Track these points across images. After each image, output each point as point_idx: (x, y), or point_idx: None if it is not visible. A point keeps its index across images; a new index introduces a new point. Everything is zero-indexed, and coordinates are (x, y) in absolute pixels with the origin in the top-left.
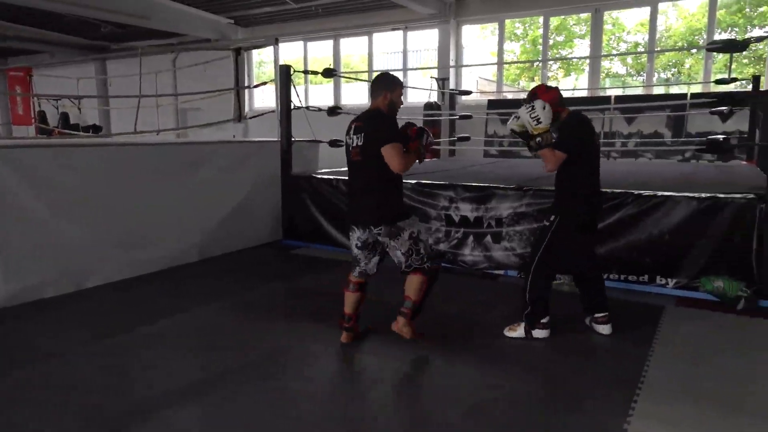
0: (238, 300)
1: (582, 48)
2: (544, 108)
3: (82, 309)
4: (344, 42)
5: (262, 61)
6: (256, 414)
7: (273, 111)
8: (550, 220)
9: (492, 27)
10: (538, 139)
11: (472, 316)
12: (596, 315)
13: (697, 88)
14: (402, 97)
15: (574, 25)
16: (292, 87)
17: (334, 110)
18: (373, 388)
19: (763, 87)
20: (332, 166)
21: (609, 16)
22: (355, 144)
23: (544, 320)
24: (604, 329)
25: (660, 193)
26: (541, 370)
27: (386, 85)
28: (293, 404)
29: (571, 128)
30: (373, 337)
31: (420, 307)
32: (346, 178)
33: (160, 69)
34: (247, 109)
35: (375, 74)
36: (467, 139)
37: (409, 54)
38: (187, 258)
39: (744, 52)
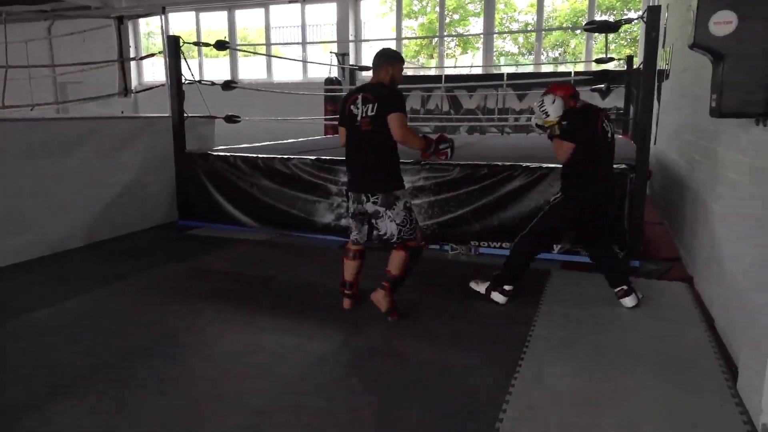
0: (130, 283)
1: (477, 26)
2: (553, 102)
3: None
4: (240, 14)
5: (151, 32)
6: (151, 398)
7: (163, 85)
8: (555, 196)
9: (390, 3)
10: (548, 130)
11: (375, 289)
12: (616, 289)
13: (581, 67)
14: (402, 73)
15: (469, 3)
16: (182, 60)
17: (228, 85)
18: (275, 364)
19: (636, 66)
20: (229, 143)
21: None
22: (365, 114)
23: (507, 287)
24: (626, 302)
25: (545, 165)
26: (437, 336)
27: (388, 60)
28: (192, 386)
29: (573, 119)
30: (278, 315)
31: (401, 282)
32: (243, 154)
33: (31, 37)
34: (136, 83)
35: (273, 48)
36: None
37: (308, 28)
38: (72, 243)
39: (621, 34)
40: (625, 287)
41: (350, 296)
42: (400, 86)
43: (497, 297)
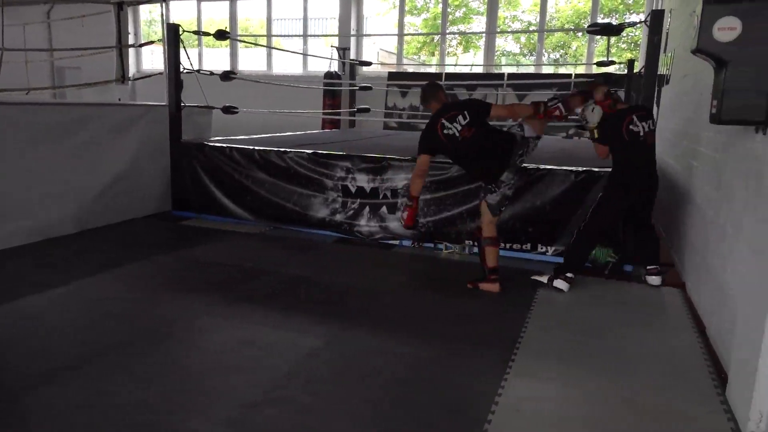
0: (121, 272)
1: (480, 25)
2: (592, 110)
3: None
4: (242, 5)
5: (153, 20)
6: (141, 388)
7: (161, 73)
8: (600, 193)
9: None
10: (587, 134)
11: (366, 286)
12: (648, 267)
13: (581, 69)
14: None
15: (472, 1)
16: (182, 48)
17: (227, 75)
18: (264, 358)
19: (636, 70)
20: (226, 134)
21: None
22: (464, 126)
23: (569, 275)
24: (654, 280)
25: (542, 167)
26: (427, 335)
27: (438, 87)
28: (180, 378)
29: (602, 125)
30: (269, 309)
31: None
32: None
33: (29, 20)
34: (134, 70)
35: (273, 40)
36: (367, 110)
37: (310, 21)
38: (62, 230)
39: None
40: (658, 266)
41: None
42: (396, 82)
43: (560, 284)
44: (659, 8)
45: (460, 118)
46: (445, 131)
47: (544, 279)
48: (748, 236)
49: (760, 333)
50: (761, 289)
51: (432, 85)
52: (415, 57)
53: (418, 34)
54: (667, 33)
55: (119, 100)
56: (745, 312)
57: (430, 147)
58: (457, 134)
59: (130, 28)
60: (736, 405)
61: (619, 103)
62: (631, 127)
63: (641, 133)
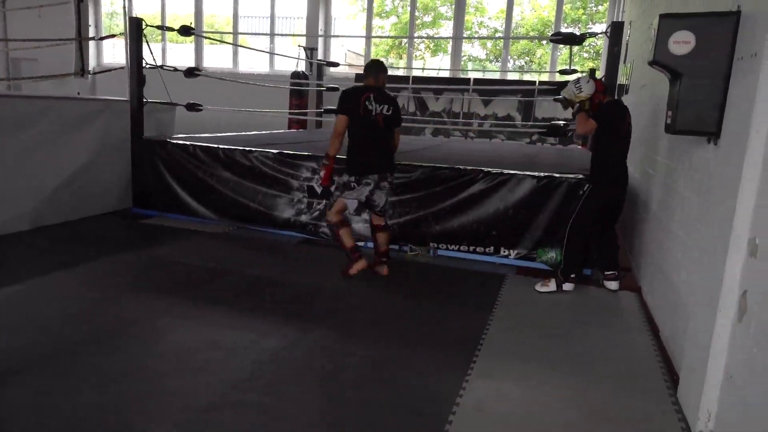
0: (77, 271)
1: (448, 30)
2: (588, 82)
3: None
4: (208, 1)
5: (114, 12)
6: (97, 390)
7: (122, 68)
8: (584, 189)
9: (362, 2)
10: (577, 104)
11: (331, 287)
12: (606, 272)
13: (545, 77)
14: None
15: (441, 6)
16: (145, 43)
17: (192, 72)
18: (226, 360)
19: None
20: (190, 132)
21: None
22: (381, 112)
23: (573, 276)
24: (612, 285)
25: (506, 171)
26: (391, 336)
27: (385, 70)
28: (137, 381)
29: (608, 108)
30: (232, 309)
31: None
32: (204, 144)
33: None
34: (94, 63)
35: (240, 37)
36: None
37: (278, 20)
38: (15, 226)
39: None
40: (615, 272)
41: (361, 257)
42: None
43: (569, 287)
44: (620, 20)
45: (385, 108)
46: (368, 104)
47: (549, 288)
48: (699, 242)
49: (709, 336)
50: (711, 293)
51: (380, 63)
52: (383, 59)
53: (386, 37)
54: (627, 44)
55: (78, 93)
56: (696, 315)
57: (349, 109)
58: (374, 114)
59: (91, 20)
60: (687, 405)
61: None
62: (628, 120)
63: (631, 131)
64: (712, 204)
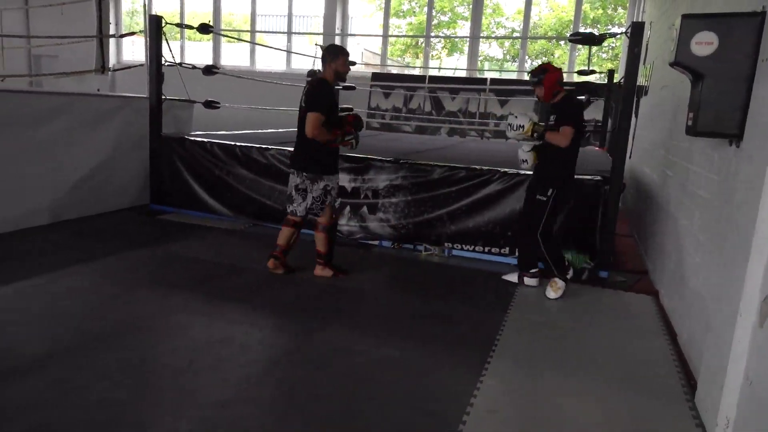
0: (95, 266)
1: (465, 29)
2: (516, 117)
3: None
4: None
5: (135, 11)
6: (112, 385)
7: (142, 65)
8: (547, 195)
9: (379, 1)
10: (534, 135)
11: (344, 285)
12: (529, 271)
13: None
14: (347, 66)
15: (458, 5)
16: (164, 40)
17: (210, 69)
18: (239, 356)
19: (616, 80)
20: (208, 129)
21: (491, 0)
22: (301, 104)
23: (566, 270)
24: (531, 282)
25: (523, 172)
26: (404, 335)
27: (329, 55)
28: (152, 376)
29: (573, 106)
30: (246, 306)
31: (329, 255)
32: (221, 141)
33: (7, 6)
34: (114, 61)
35: (257, 36)
36: (350, 110)
37: (295, 19)
38: (35, 220)
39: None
40: (536, 270)
41: (276, 258)
42: (379, 83)
43: (563, 278)
44: (640, 20)
45: (302, 98)
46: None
47: (559, 288)
48: (719, 245)
49: (729, 340)
50: (731, 297)
51: (324, 50)
52: (400, 59)
53: (403, 36)
54: (647, 45)
55: (98, 90)
56: (716, 320)
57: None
58: (303, 103)
59: (111, 18)
60: (705, 410)
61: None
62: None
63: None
64: (733, 207)
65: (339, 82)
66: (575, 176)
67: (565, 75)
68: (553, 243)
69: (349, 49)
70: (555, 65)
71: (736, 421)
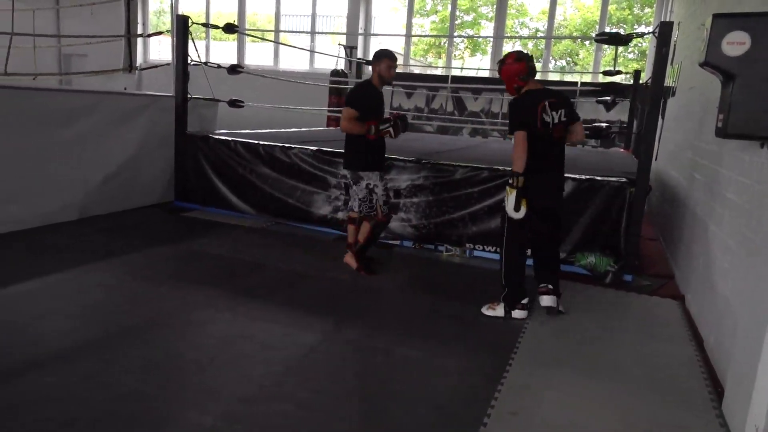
0: (120, 261)
1: (488, 29)
2: (503, 199)
3: None
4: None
5: (162, 11)
6: (137, 378)
7: (168, 64)
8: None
9: (402, 0)
10: (512, 182)
11: (365, 284)
12: (540, 285)
13: (587, 78)
14: (390, 69)
15: (481, 6)
16: (190, 40)
17: (234, 69)
18: (262, 353)
19: (643, 81)
20: (231, 128)
21: (515, 0)
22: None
23: (523, 301)
24: (545, 300)
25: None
26: (425, 336)
27: (374, 59)
28: (176, 371)
29: (512, 109)
30: (269, 303)
31: (366, 247)
32: (245, 140)
33: (39, 6)
34: (141, 60)
35: (281, 35)
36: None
37: (319, 19)
38: (65, 216)
39: (629, 48)
40: (547, 285)
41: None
42: (401, 83)
43: (519, 314)
44: (668, 20)
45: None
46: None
47: (496, 313)
48: (748, 250)
49: (758, 346)
50: (761, 303)
51: (373, 56)
52: (422, 59)
53: (426, 36)
54: (675, 45)
55: (125, 89)
56: (745, 326)
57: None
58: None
59: (139, 18)
60: (732, 418)
61: (531, 80)
62: (543, 115)
63: (547, 126)
64: (763, 211)
65: (384, 85)
66: (599, 177)
67: (590, 76)
68: (517, 260)
69: (371, 49)
70: (523, 56)
71: (765, 430)
